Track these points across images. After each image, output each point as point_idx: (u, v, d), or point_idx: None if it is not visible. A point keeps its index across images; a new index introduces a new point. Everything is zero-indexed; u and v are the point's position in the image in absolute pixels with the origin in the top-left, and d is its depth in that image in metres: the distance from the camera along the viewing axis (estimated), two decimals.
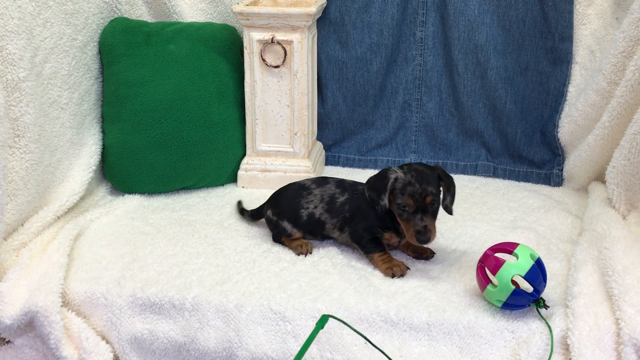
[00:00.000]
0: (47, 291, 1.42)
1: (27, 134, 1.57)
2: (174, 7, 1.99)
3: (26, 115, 1.56)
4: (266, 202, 1.68)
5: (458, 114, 2.05)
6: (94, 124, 1.89)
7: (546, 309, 1.34)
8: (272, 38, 1.83)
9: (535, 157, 2.00)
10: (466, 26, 1.96)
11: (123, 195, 1.87)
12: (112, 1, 1.93)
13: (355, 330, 1.29)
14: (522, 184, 1.99)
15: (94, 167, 1.82)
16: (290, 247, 1.60)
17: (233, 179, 1.96)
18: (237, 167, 1.96)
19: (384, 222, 1.52)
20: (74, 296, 1.46)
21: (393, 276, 1.48)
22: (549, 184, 1.98)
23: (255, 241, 1.64)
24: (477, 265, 1.38)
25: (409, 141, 2.10)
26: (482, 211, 1.79)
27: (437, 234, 1.65)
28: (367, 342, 1.32)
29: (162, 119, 1.85)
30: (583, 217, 1.69)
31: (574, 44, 1.93)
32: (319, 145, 2.08)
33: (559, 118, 1.96)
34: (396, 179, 1.46)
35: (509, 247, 1.36)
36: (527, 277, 1.32)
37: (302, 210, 1.60)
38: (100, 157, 1.87)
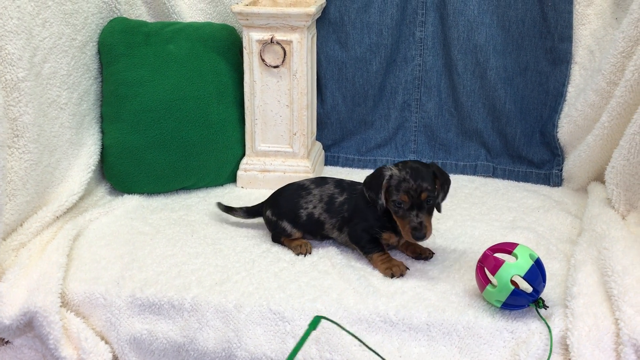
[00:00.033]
0: (46, 291, 1.42)
1: (26, 134, 1.57)
2: (173, 7, 1.99)
3: (25, 115, 1.56)
4: (265, 202, 1.68)
5: (457, 114, 2.05)
6: (93, 124, 1.89)
7: (545, 309, 1.34)
8: (272, 38, 1.82)
9: (535, 157, 2.00)
10: (465, 26, 1.96)
11: (122, 196, 1.87)
12: (111, 1, 1.93)
13: (348, 332, 1.29)
14: (521, 184, 1.99)
15: (93, 167, 1.82)
16: (289, 247, 1.60)
17: (232, 179, 1.96)
18: (237, 167, 1.96)
19: (382, 222, 1.52)
20: (73, 296, 1.46)
21: (392, 276, 1.48)
22: (549, 184, 1.98)
23: (254, 241, 1.64)
24: (477, 266, 1.38)
25: (408, 141, 2.10)
26: (481, 211, 1.79)
27: (437, 234, 1.65)
28: (361, 344, 1.32)
29: (161, 119, 1.85)
30: (582, 217, 1.69)
31: (573, 44, 1.93)
32: (319, 145, 2.08)
33: (559, 118, 1.96)
34: (391, 176, 1.46)
35: (508, 247, 1.36)
36: (526, 278, 1.32)
37: (302, 211, 1.60)
38: (99, 157, 1.87)
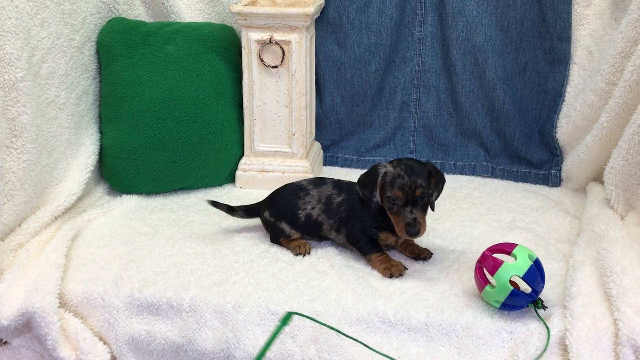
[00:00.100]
0: (44, 292, 1.41)
1: (24, 134, 1.56)
2: (172, 7, 1.99)
3: (23, 116, 1.56)
4: (263, 203, 1.67)
5: (456, 114, 2.05)
6: (92, 124, 1.89)
7: (544, 309, 1.34)
8: (270, 38, 1.82)
9: (534, 157, 2.00)
10: (464, 26, 1.96)
11: (121, 196, 1.87)
12: (109, 1, 1.93)
13: (324, 325, 1.29)
14: (520, 184, 1.99)
15: (91, 168, 1.82)
16: (288, 248, 1.60)
17: (231, 179, 1.96)
18: (235, 168, 1.95)
19: (379, 222, 1.51)
20: (72, 297, 1.46)
21: (391, 276, 1.48)
22: (547, 185, 1.98)
23: (253, 242, 1.64)
24: (476, 266, 1.38)
25: (407, 141, 2.10)
26: (480, 212, 1.79)
27: (435, 235, 1.65)
28: (340, 334, 1.32)
29: (160, 119, 1.84)
30: (581, 217, 1.69)
31: (572, 45, 1.93)
32: (317, 145, 2.08)
33: (557, 118, 1.96)
34: (385, 173, 1.46)
35: (507, 248, 1.36)
36: (525, 278, 1.32)
37: (300, 211, 1.60)
38: (97, 157, 1.86)
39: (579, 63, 1.92)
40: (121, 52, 1.86)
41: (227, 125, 1.92)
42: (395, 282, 1.46)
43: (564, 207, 1.81)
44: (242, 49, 1.86)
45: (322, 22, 2.03)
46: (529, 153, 2.00)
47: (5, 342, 1.46)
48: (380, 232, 1.53)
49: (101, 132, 1.90)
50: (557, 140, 1.96)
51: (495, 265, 1.33)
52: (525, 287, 1.35)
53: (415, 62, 2.03)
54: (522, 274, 1.32)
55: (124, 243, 1.62)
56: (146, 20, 2.03)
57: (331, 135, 2.12)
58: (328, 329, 1.34)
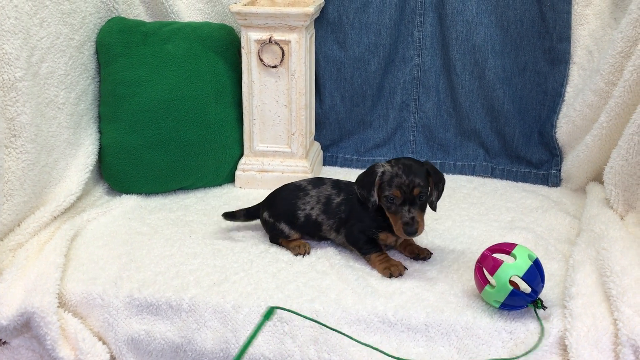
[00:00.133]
0: (43, 292, 1.41)
1: (23, 134, 1.56)
2: (172, 7, 1.99)
3: (23, 115, 1.56)
4: (261, 204, 1.67)
5: (456, 114, 2.05)
6: (91, 123, 1.88)
7: (544, 309, 1.34)
8: (270, 38, 1.82)
9: (533, 157, 2.00)
10: (464, 26, 1.96)
11: (120, 196, 1.87)
12: (109, 1, 1.93)
13: (307, 318, 1.30)
14: (520, 184, 1.99)
15: (90, 167, 1.82)
16: (288, 248, 1.60)
17: (230, 179, 1.96)
18: (235, 168, 1.95)
19: (379, 222, 1.51)
20: (71, 297, 1.46)
21: (391, 276, 1.48)
22: (547, 185, 1.98)
23: (252, 242, 1.64)
24: (475, 266, 1.38)
25: (406, 141, 2.09)
26: (480, 212, 1.79)
27: (435, 235, 1.65)
28: (324, 327, 1.33)
29: (159, 119, 1.84)
30: (581, 217, 1.69)
31: (571, 45, 1.93)
32: (317, 145, 2.08)
33: (557, 118, 1.96)
34: (383, 173, 1.46)
35: (506, 248, 1.36)
36: (525, 278, 1.32)
37: (299, 212, 1.59)
38: (97, 157, 1.86)
39: (579, 63, 1.92)
40: (120, 51, 1.86)
41: (227, 125, 1.92)
42: (395, 282, 1.46)
43: (563, 207, 1.81)
44: (242, 49, 1.86)
45: (322, 21, 2.02)
46: (529, 153, 2.00)
47: (4, 342, 1.46)
48: (379, 232, 1.52)
49: (100, 131, 1.90)
50: (556, 140, 1.96)
51: (495, 265, 1.33)
52: (524, 287, 1.35)
53: (415, 62, 2.03)
54: (521, 274, 1.32)
55: (123, 243, 1.62)
56: (145, 20, 2.02)
57: (331, 135, 2.12)
58: (328, 329, 1.34)
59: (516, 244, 1.37)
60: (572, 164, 1.88)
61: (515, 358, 1.28)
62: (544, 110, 1.99)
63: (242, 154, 1.97)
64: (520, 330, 1.33)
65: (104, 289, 1.46)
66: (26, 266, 1.49)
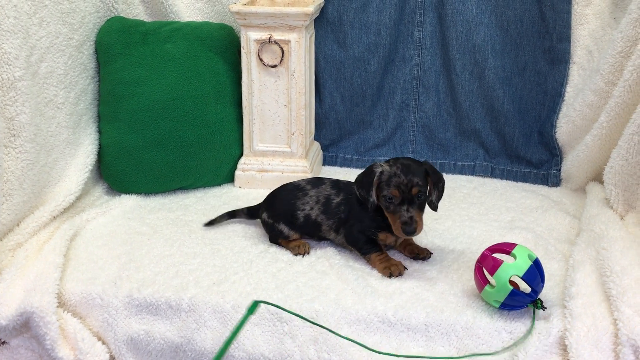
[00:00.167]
0: (42, 292, 1.41)
1: (22, 134, 1.56)
2: (171, 7, 1.99)
3: (22, 115, 1.55)
4: (261, 204, 1.67)
5: (456, 114, 2.05)
6: (90, 123, 1.88)
7: (544, 310, 1.33)
8: (270, 38, 1.82)
9: (533, 157, 2.00)
10: (464, 26, 1.96)
11: (119, 195, 1.87)
12: (108, 0, 1.92)
13: (290, 312, 1.31)
14: (519, 184, 1.99)
15: (90, 167, 1.81)
16: (287, 248, 1.60)
17: (230, 179, 1.96)
18: (234, 167, 1.95)
19: (378, 222, 1.51)
20: (70, 297, 1.46)
21: (390, 276, 1.47)
22: (547, 185, 1.98)
23: (252, 241, 1.64)
24: (475, 266, 1.38)
25: (406, 141, 2.09)
26: (479, 211, 1.79)
27: (435, 234, 1.65)
28: (306, 321, 1.34)
29: (158, 119, 1.84)
30: (581, 217, 1.69)
31: (571, 44, 1.93)
32: (317, 145, 2.08)
33: (557, 118, 1.96)
34: (382, 172, 1.46)
35: (506, 248, 1.36)
36: (525, 278, 1.32)
37: (299, 212, 1.59)
38: (96, 156, 1.86)
39: (579, 63, 1.92)
40: (120, 51, 1.86)
41: (226, 124, 1.92)
42: (395, 282, 1.46)
43: (563, 207, 1.81)
44: (241, 49, 1.86)
45: (322, 21, 2.02)
46: (529, 153, 2.00)
47: (3, 342, 1.46)
48: (379, 232, 1.52)
49: (100, 131, 1.89)
50: (556, 140, 1.96)
51: (495, 265, 1.33)
52: (524, 287, 1.35)
53: (415, 61, 2.03)
54: (521, 274, 1.31)
55: (122, 243, 1.62)
56: (145, 20, 2.02)
57: (330, 134, 2.12)
58: (328, 330, 1.34)
59: (516, 244, 1.37)
60: (572, 163, 1.88)
61: (495, 353, 1.28)
62: (543, 110, 1.99)
63: (241, 154, 1.96)
64: (520, 330, 1.32)
65: (103, 289, 1.46)
66: (25, 266, 1.49)
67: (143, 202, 1.84)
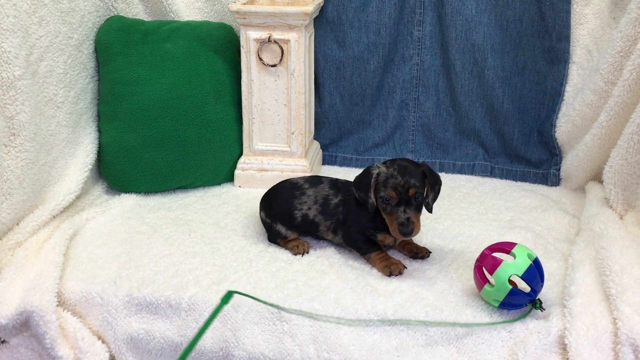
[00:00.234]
0: (42, 291, 1.41)
1: (22, 133, 1.56)
2: (171, 6, 1.99)
3: (22, 114, 1.55)
4: (260, 202, 1.67)
5: (455, 113, 2.05)
6: (90, 122, 1.88)
7: (542, 310, 1.34)
8: (269, 37, 1.82)
9: (533, 156, 2.00)
10: (463, 26, 1.96)
11: (119, 195, 1.87)
12: None
13: (264, 302, 1.32)
14: (519, 183, 1.99)
15: (89, 166, 1.81)
16: (286, 248, 1.60)
17: (230, 178, 1.96)
18: (234, 167, 1.95)
19: (376, 223, 1.51)
20: (70, 296, 1.46)
21: (390, 275, 1.47)
22: (546, 184, 1.98)
23: (251, 241, 1.64)
24: (475, 265, 1.38)
25: (406, 141, 2.09)
26: (479, 211, 1.79)
27: (434, 234, 1.65)
28: (281, 310, 1.35)
29: (158, 118, 1.84)
30: (580, 216, 1.69)
31: (571, 44, 1.93)
32: (316, 144, 2.08)
33: (556, 118, 1.96)
34: (379, 174, 1.46)
35: (506, 247, 1.36)
36: (524, 277, 1.32)
37: (296, 212, 1.59)
38: (96, 156, 1.86)
39: (578, 62, 1.92)
40: (119, 50, 1.86)
41: (226, 124, 1.92)
42: (394, 281, 1.46)
43: (563, 207, 1.81)
44: (241, 48, 1.86)
45: (321, 21, 2.02)
46: (528, 152, 2.00)
47: (3, 341, 1.46)
48: (377, 232, 1.52)
49: (99, 130, 1.89)
50: (556, 139, 1.96)
51: (495, 264, 1.33)
52: (524, 286, 1.35)
53: (414, 61, 2.03)
54: (521, 273, 1.32)
55: (122, 242, 1.62)
56: (144, 19, 2.02)
57: (330, 134, 2.12)
58: (326, 323, 1.34)
59: (516, 243, 1.37)
60: (572, 163, 1.88)
61: (493, 323, 1.31)
62: (543, 109, 1.99)
63: (241, 153, 1.96)
64: (519, 329, 1.32)
65: (103, 288, 1.46)
66: (25, 265, 1.49)
67: (143, 202, 1.84)
